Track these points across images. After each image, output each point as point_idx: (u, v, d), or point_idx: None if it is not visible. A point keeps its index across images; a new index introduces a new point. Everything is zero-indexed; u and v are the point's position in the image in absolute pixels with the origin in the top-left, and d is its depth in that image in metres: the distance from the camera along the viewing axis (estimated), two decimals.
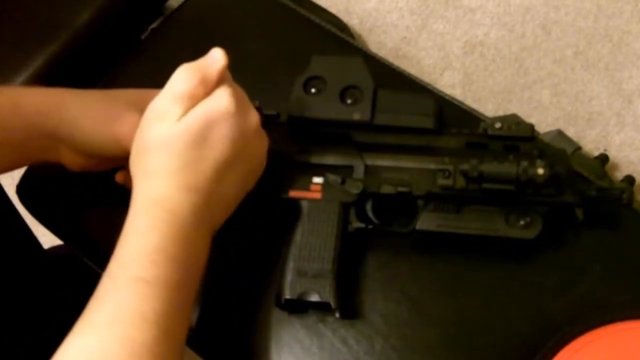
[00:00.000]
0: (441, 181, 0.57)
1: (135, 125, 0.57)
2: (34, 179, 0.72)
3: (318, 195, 0.58)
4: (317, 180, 0.59)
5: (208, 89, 0.51)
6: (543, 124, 1.18)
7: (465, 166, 0.55)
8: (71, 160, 0.60)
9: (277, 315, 0.60)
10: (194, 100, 0.50)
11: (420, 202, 0.58)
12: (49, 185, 0.70)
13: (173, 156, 0.50)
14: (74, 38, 0.84)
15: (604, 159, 1.12)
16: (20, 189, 0.73)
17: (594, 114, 1.20)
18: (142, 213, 0.49)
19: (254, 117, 0.53)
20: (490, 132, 0.58)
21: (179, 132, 0.50)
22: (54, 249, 1.00)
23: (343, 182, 0.58)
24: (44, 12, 0.85)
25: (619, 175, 1.13)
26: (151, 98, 0.60)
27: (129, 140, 0.56)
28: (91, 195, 0.68)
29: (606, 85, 1.21)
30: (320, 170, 0.59)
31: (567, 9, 1.27)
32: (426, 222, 0.58)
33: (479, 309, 0.59)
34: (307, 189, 0.59)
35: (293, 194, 0.59)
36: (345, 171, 0.59)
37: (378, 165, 0.59)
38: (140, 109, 0.58)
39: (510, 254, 0.60)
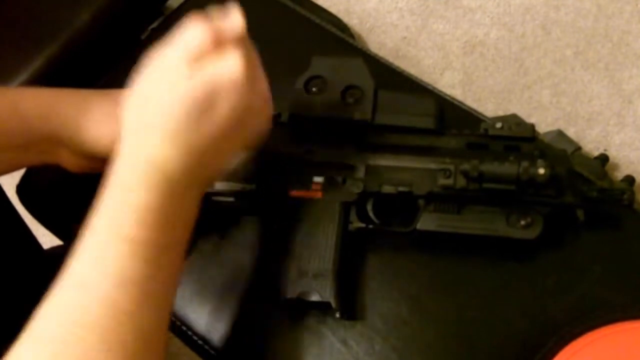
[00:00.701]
0: (442, 181, 0.57)
1: None
2: (34, 179, 0.72)
3: (319, 195, 0.58)
4: (318, 179, 0.59)
5: (221, 51, 0.48)
6: (543, 124, 1.18)
7: (465, 166, 0.55)
8: (72, 163, 0.60)
9: (277, 315, 0.60)
10: (205, 61, 0.48)
11: (421, 202, 0.58)
12: (49, 185, 0.70)
13: (173, 117, 0.47)
14: (74, 38, 0.84)
15: (604, 159, 1.11)
16: (20, 189, 0.73)
17: (594, 114, 1.20)
18: (130, 169, 0.47)
19: (263, 85, 0.51)
20: (491, 132, 0.58)
21: (184, 93, 0.47)
22: (54, 249, 1.00)
23: (344, 181, 0.58)
24: (44, 12, 0.85)
25: (619, 175, 1.13)
26: None
27: None
28: (91, 196, 0.68)
29: (606, 85, 1.21)
30: (321, 169, 0.59)
31: (567, 9, 1.27)
32: (427, 222, 0.58)
33: (479, 308, 0.59)
34: (308, 188, 0.59)
35: (294, 193, 0.59)
36: (346, 171, 0.59)
37: (379, 165, 0.59)
38: None
39: (510, 254, 0.60)
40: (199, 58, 0.47)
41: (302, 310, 0.59)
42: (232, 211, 0.63)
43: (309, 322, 0.59)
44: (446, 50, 1.27)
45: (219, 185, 0.59)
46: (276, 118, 0.61)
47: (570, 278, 0.59)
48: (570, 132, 1.15)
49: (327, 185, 0.59)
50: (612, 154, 1.16)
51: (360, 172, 0.59)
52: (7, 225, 0.78)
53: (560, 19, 1.26)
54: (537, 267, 0.60)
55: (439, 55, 1.26)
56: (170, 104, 0.47)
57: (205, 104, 0.47)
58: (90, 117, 0.57)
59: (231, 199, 0.60)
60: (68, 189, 0.68)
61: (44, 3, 0.87)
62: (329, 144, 0.60)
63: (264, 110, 0.52)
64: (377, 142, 0.59)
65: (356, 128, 0.59)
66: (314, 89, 0.60)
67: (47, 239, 0.84)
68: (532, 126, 0.58)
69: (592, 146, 1.18)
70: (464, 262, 0.60)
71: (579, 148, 1.07)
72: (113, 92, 0.60)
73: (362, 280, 0.60)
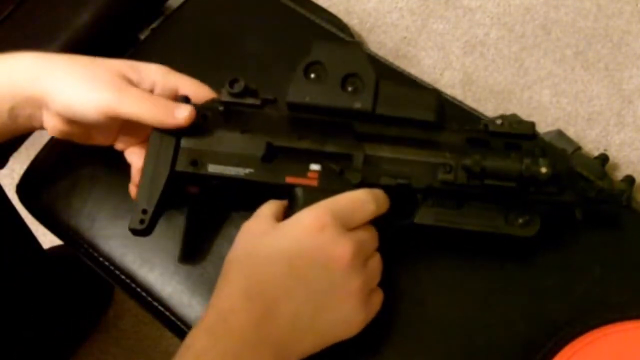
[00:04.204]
0: (442, 176, 0.56)
1: (118, 94, 0.55)
2: (34, 179, 0.72)
3: (314, 183, 0.57)
4: (315, 167, 0.58)
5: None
6: (543, 124, 1.18)
7: (467, 161, 0.55)
8: (54, 127, 0.59)
9: None
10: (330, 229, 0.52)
11: (419, 196, 0.58)
12: (49, 185, 0.70)
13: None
14: (74, 38, 0.84)
15: (604, 159, 1.11)
16: (20, 189, 0.73)
17: (594, 114, 1.20)
18: (206, 316, 0.50)
19: (376, 299, 0.54)
20: (491, 128, 0.58)
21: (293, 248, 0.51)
22: (54, 249, 1.00)
23: (341, 172, 0.57)
24: (44, 12, 0.86)
25: (619, 175, 1.13)
26: (138, 69, 0.59)
27: (111, 109, 0.55)
28: (91, 196, 0.68)
29: (606, 85, 1.21)
30: (318, 157, 0.58)
31: (567, 9, 1.27)
32: (425, 216, 0.57)
33: (479, 309, 0.59)
34: (304, 175, 0.58)
35: (290, 179, 0.58)
36: (343, 160, 0.58)
37: (378, 156, 0.58)
38: (126, 79, 0.57)
39: (510, 254, 0.60)
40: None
41: None
42: (225, 196, 0.62)
43: None
44: (446, 50, 1.27)
45: (212, 169, 0.58)
46: (272, 102, 0.60)
47: (570, 278, 0.59)
48: (570, 132, 1.15)
49: (324, 174, 0.57)
50: (612, 154, 1.16)
51: (359, 162, 0.58)
52: (7, 225, 0.78)
53: (560, 19, 1.26)
54: (537, 267, 0.60)
55: (439, 55, 1.26)
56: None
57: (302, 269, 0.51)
58: (74, 80, 0.56)
59: (221, 182, 0.58)
60: (68, 188, 0.68)
61: (44, 3, 0.87)
62: (327, 132, 0.59)
63: (355, 319, 0.53)
64: (377, 133, 0.58)
65: (356, 117, 0.58)
66: (312, 75, 0.58)
67: (47, 239, 0.84)
68: (533, 124, 0.58)
69: (592, 146, 1.18)
70: (464, 262, 0.60)
71: (579, 148, 1.07)
72: (100, 60, 0.59)
73: None
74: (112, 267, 0.66)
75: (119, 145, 0.62)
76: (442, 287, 0.60)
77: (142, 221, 0.56)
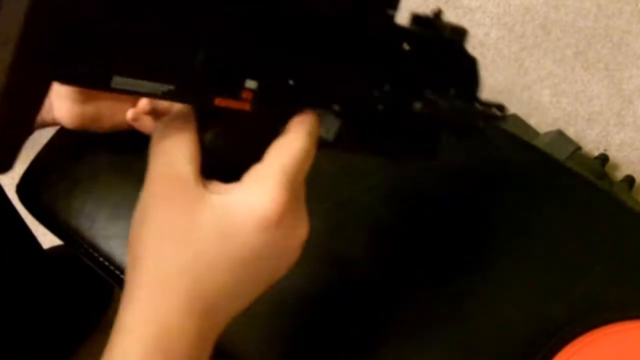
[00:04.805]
0: (377, 103, 0.46)
1: None
2: (34, 179, 0.72)
3: (247, 106, 0.40)
4: (251, 84, 0.40)
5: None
6: (543, 124, 1.18)
7: (418, 106, 0.47)
8: (67, 111, 0.57)
9: None
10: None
11: (342, 118, 0.46)
12: (49, 185, 0.70)
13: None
14: None
15: (604, 159, 1.12)
16: (20, 189, 0.73)
17: (594, 114, 1.20)
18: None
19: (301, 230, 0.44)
20: (426, 35, 0.49)
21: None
22: (54, 249, 1.00)
23: (278, 94, 0.42)
24: None
25: (619, 175, 1.13)
26: None
27: None
28: (91, 196, 0.68)
29: (606, 85, 1.21)
30: (254, 71, 0.40)
31: (567, 9, 1.27)
32: (345, 139, 0.46)
33: (479, 308, 0.59)
34: (238, 96, 0.40)
35: (220, 102, 0.39)
36: (280, 77, 0.41)
37: (314, 72, 0.43)
38: None
39: (510, 253, 0.60)
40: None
41: None
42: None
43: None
44: None
45: (117, 82, 0.36)
46: None
47: (570, 278, 0.60)
48: (570, 132, 1.15)
49: (261, 95, 0.40)
50: (612, 154, 1.16)
51: (299, 82, 0.42)
52: (7, 225, 0.78)
53: (560, 19, 1.27)
54: (537, 267, 0.60)
55: None
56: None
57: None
58: None
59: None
60: (68, 189, 0.68)
61: None
62: (264, 34, 0.40)
63: (293, 257, 0.45)
64: (312, 38, 0.42)
65: (299, 17, 0.41)
66: None
67: (47, 239, 0.84)
68: (465, 31, 0.51)
69: (592, 146, 1.18)
70: (463, 261, 0.61)
71: (579, 148, 1.07)
72: None
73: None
74: (112, 267, 0.66)
75: (130, 114, 0.57)
76: (441, 287, 0.60)
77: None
